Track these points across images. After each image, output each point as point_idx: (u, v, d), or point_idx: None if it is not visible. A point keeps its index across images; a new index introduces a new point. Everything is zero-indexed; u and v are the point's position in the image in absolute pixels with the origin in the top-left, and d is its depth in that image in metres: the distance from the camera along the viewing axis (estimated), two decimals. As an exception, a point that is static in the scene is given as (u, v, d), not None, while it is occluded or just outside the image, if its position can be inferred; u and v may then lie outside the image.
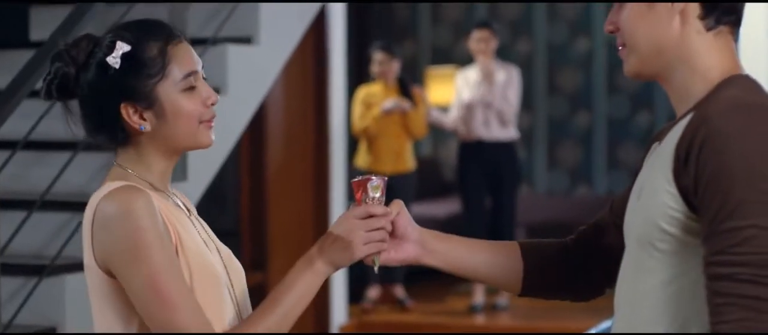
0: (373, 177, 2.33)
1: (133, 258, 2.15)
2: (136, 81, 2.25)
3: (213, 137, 2.33)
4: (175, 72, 2.26)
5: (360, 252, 2.29)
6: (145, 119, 2.27)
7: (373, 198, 2.32)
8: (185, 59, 2.28)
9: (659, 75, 2.16)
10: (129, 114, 2.26)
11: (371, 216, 2.30)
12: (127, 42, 2.26)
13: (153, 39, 2.27)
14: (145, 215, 2.16)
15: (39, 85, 4.21)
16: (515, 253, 2.43)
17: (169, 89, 2.26)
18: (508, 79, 8.25)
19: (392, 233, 2.36)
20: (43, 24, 5.59)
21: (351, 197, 2.45)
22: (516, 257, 2.43)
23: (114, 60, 2.25)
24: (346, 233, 2.28)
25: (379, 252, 2.33)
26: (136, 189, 2.20)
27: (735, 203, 1.93)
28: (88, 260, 2.23)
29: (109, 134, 2.30)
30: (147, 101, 2.26)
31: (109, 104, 2.27)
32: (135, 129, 2.28)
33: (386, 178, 2.36)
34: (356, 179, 2.34)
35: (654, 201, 2.05)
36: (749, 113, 1.98)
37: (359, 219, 2.29)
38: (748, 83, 2.09)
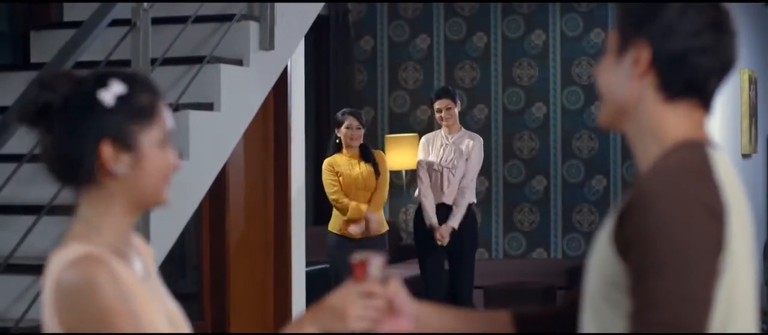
0: (373, 258, 2.37)
1: (104, 329, 2.12)
2: (124, 123, 2.23)
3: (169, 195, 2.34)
4: (159, 126, 2.28)
5: (354, 325, 2.34)
6: (121, 163, 2.24)
7: (375, 277, 2.37)
8: (167, 118, 2.30)
9: (624, 131, 2.18)
10: (108, 152, 2.24)
11: (371, 294, 2.36)
12: (123, 82, 2.24)
13: (145, 90, 2.27)
14: (109, 286, 2.13)
15: (2, 150, 4.31)
16: (509, 323, 2.47)
17: (151, 140, 2.26)
18: (473, 149, 8.33)
19: (389, 308, 2.41)
20: (42, 48, 5.78)
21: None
22: (510, 327, 2.46)
23: (108, 96, 2.22)
24: (343, 305, 2.33)
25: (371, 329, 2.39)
26: (97, 260, 2.16)
27: (648, 266, 1.95)
28: (53, 328, 2.19)
29: (76, 170, 2.24)
30: (128, 145, 2.24)
31: (89, 138, 2.22)
32: (106, 171, 2.24)
33: (387, 256, 2.42)
34: (356, 260, 2.38)
35: (601, 260, 2.08)
36: (673, 176, 2.00)
37: (359, 295, 2.34)
38: (693, 149, 2.09)
